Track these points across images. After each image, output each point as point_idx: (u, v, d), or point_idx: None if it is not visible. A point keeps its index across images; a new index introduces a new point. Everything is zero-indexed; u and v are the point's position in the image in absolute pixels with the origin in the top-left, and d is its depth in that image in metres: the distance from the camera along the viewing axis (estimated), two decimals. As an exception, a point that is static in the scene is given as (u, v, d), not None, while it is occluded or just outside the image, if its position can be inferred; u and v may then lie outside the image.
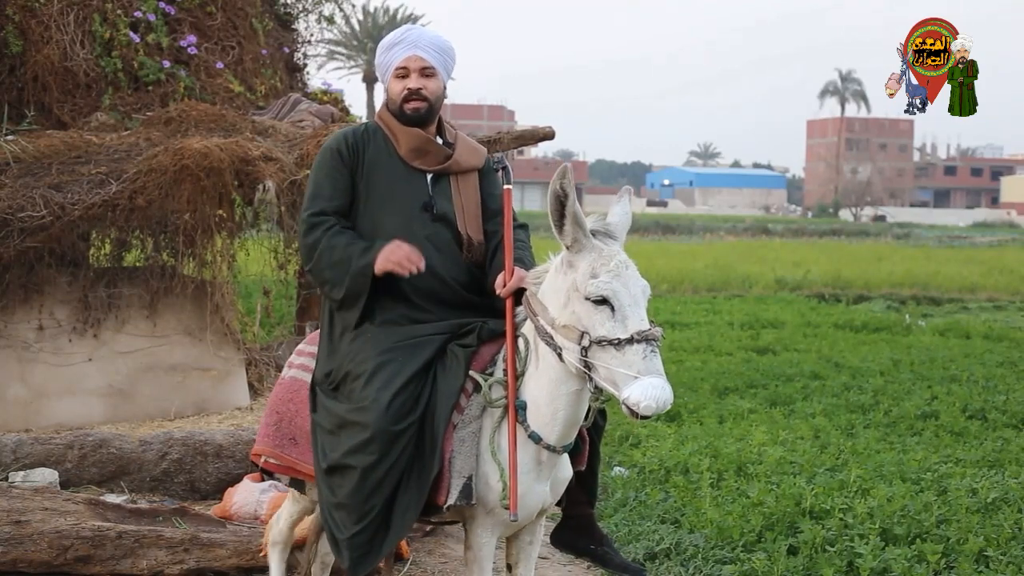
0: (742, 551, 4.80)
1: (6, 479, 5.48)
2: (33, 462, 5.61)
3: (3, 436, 5.77)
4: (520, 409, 3.36)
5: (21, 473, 5.51)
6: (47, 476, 5.51)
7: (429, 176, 3.72)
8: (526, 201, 69.48)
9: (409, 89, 3.68)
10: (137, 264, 7.11)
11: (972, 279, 21.79)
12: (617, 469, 6.37)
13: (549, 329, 3.29)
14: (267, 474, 3.93)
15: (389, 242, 3.54)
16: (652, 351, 3.10)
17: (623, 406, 3.08)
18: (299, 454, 3.70)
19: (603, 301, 3.16)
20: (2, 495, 4.87)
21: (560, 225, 3.26)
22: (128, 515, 4.96)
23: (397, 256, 3.49)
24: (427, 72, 3.70)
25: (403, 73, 3.70)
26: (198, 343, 6.84)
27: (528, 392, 3.37)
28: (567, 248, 3.29)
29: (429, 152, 3.72)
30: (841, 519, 4.97)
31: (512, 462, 3.31)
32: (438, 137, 3.78)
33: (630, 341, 3.10)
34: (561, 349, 3.25)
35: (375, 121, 3.82)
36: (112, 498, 5.41)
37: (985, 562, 4.56)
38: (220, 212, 6.31)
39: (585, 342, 3.17)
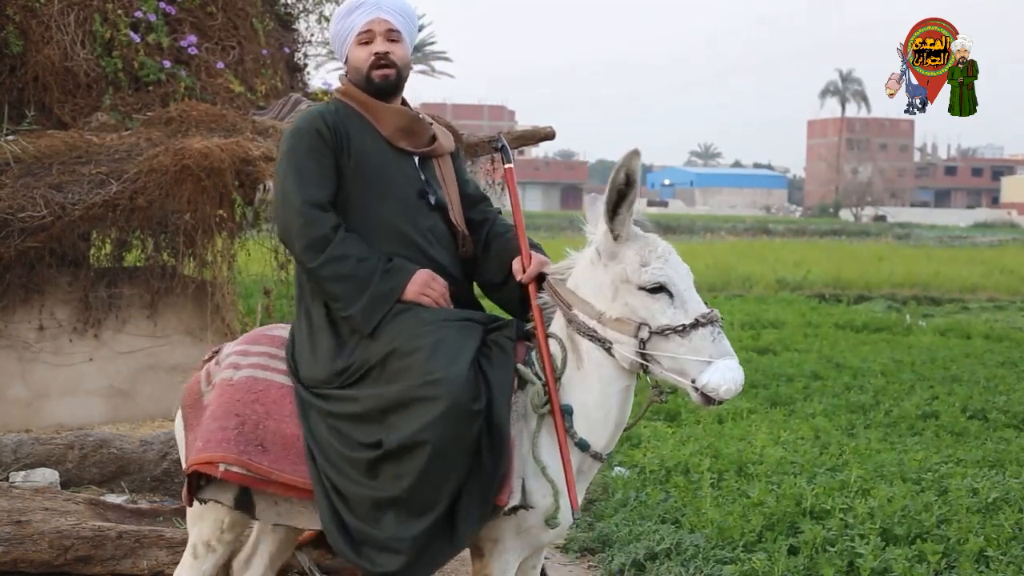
0: (742, 551, 4.79)
1: (6, 479, 5.48)
2: (34, 462, 5.61)
3: (3, 436, 5.78)
4: (566, 415, 3.08)
5: (22, 473, 5.51)
6: (47, 476, 5.51)
7: (416, 160, 3.37)
8: (527, 201, 69.51)
9: (376, 54, 3.31)
10: (138, 264, 7.13)
11: (973, 279, 21.75)
12: (617, 469, 6.36)
13: (592, 323, 3.07)
14: (199, 485, 3.30)
15: (408, 262, 3.22)
16: (719, 332, 2.98)
17: (696, 394, 2.94)
18: (271, 462, 3.15)
19: (660, 289, 3.01)
20: (2, 495, 4.87)
21: (615, 214, 3.07)
22: (129, 515, 4.96)
23: (435, 294, 3.19)
24: (393, 36, 3.35)
25: (367, 38, 3.34)
26: (199, 343, 6.84)
27: (574, 396, 3.10)
28: (615, 238, 3.08)
29: (415, 132, 3.36)
30: (841, 519, 4.96)
31: (565, 456, 3.04)
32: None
33: (695, 325, 2.97)
34: (611, 344, 3.04)
35: (339, 100, 3.40)
36: (113, 498, 5.41)
37: (985, 562, 4.55)
38: (221, 212, 6.31)
39: (643, 334, 2.99)
